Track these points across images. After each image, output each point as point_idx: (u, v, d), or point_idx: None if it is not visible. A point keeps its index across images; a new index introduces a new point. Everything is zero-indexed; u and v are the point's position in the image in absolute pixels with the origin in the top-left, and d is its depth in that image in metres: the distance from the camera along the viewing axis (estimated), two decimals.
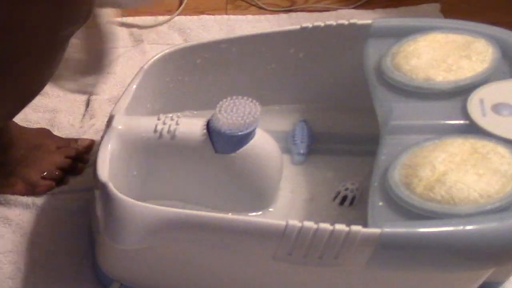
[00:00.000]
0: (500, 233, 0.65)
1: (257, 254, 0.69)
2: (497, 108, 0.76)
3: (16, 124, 0.94)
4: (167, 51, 0.88)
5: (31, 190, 0.92)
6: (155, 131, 0.78)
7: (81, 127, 1.02)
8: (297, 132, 0.93)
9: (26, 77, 0.69)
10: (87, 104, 1.06)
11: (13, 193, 0.92)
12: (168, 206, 0.70)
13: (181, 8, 1.24)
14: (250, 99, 0.78)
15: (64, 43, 0.69)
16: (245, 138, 0.78)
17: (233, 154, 0.79)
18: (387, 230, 0.65)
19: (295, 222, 0.66)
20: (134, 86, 0.83)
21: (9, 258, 0.85)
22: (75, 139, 0.98)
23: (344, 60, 0.92)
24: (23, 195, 0.92)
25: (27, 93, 0.73)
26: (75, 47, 0.82)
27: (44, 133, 0.98)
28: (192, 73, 0.92)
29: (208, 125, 0.78)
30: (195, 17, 1.23)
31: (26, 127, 0.96)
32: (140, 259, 0.75)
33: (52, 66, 0.71)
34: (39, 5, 0.62)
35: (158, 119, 0.79)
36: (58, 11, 0.63)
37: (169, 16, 1.22)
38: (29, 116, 1.03)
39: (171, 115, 0.80)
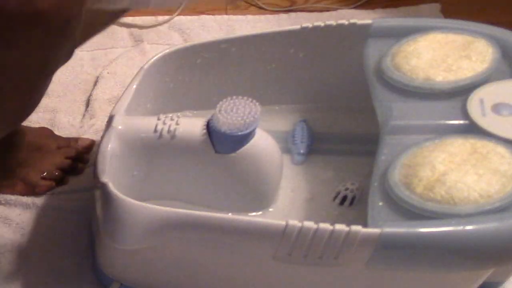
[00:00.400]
0: (500, 233, 0.65)
1: (257, 254, 0.69)
2: (497, 108, 0.76)
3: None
4: (167, 51, 0.88)
5: (31, 190, 0.92)
6: (155, 131, 0.78)
7: (81, 127, 1.02)
8: (297, 132, 0.93)
9: (11, 104, 0.70)
10: (87, 104, 1.06)
11: (14, 194, 0.92)
12: (168, 206, 0.70)
13: (181, 8, 1.24)
14: (250, 99, 0.78)
15: (47, 78, 0.71)
16: (245, 138, 0.78)
17: (233, 154, 0.79)
18: (387, 230, 0.65)
19: (295, 222, 0.66)
20: (134, 86, 0.83)
21: (9, 258, 0.85)
22: (76, 138, 0.98)
23: (344, 60, 0.92)
24: (23, 195, 0.92)
25: (13, 119, 0.75)
26: None
27: (45, 133, 0.98)
28: (192, 73, 0.92)
29: (208, 125, 0.78)
30: (195, 17, 1.23)
31: (27, 127, 0.96)
32: (140, 259, 0.75)
33: (35, 98, 0.73)
34: (21, 50, 0.62)
35: (158, 119, 0.79)
36: (42, 54, 0.64)
37: (169, 16, 1.22)
38: (29, 116, 1.03)
39: (171, 115, 0.80)
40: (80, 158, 0.96)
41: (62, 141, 0.97)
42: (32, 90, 0.71)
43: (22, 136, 0.93)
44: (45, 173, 0.93)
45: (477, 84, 0.79)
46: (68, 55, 0.69)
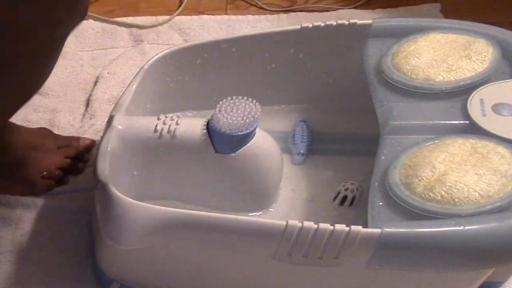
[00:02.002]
0: (500, 233, 0.65)
1: (257, 254, 0.69)
2: (497, 108, 0.76)
3: (16, 124, 0.94)
4: (167, 51, 0.88)
5: (31, 190, 0.92)
6: (155, 131, 0.78)
7: (81, 127, 1.02)
8: (297, 132, 0.93)
9: (22, 77, 0.69)
10: (87, 104, 1.06)
11: (13, 194, 0.92)
12: (168, 206, 0.70)
13: (181, 8, 1.24)
14: (250, 99, 0.78)
15: (60, 43, 0.69)
16: (245, 138, 0.78)
17: (233, 154, 0.79)
18: (387, 230, 0.65)
19: (295, 222, 0.66)
20: (134, 86, 0.83)
21: (9, 258, 0.85)
22: (77, 138, 0.98)
23: (344, 60, 0.92)
24: (23, 195, 0.92)
25: (24, 93, 0.73)
26: None
27: (44, 133, 0.97)
28: (192, 73, 0.92)
29: (208, 125, 0.78)
30: (195, 17, 1.23)
31: (26, 127, 0.96)
32: (140, 259, 0.75)
33: (48, 66, 0.71)
34: (33, 6, 0.61)
35: (158, 119, 0.79)
36: (53, 12, 0.63)
37: (169, 16, 1.22)
38: (29, 116, 1.03)
39: (171, 115, 0.80)
40: (80, 157, 0.96)
41: (62, 141, 0.97)
42: (48, 55, 0.69)
43: (18, 135, 0.92)
44: (45, 173, 0.92)
45: (477, 84, 0.79)
46: (82, 16, 0.68)
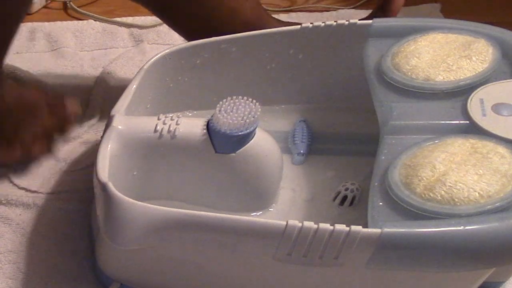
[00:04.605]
0: (500, 233, 0.65)
1: (257, 254, 0.69)
2: (497, 108, 0.76)
3: (15, 87, 0.95)
4: (167, 51, 0.88)
5: (27, 155, 0.93)
6: (155, 131, 0.78)
7: (81, 127, 1.02)
8: (297, 132, 0.93)
9: None
10: (87, 104, 1.06)
11: (12, 160, 0.93)
12: (168, 206, 0.70)
13: None
14: (250, 99, 0.78)
15: None
16: (245, 138, 0.78)
17: (233, 154, 0.79)
18: (387, 230, 0.65)
19: (295, 222, 0.66)
20: (134, 86, 0.83)
21: (9, 258, 0.85)
22: (62, 101, 0.96)
23: (344, 60, 0.92)
24: (21, 161, 0.93)
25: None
26: None
27: (37, 96, 0.96)
28: (192, 73, 0.92)
29: (208, 125, 0.78)
30: None
31: (21, 89, 0.97)
32: (140, 259, 0.75)
33: None
34: None
35: (158, 119, 0.79)
36: None
37: None
38: None
39: (171, 115, 0.80)
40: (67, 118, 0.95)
41: (51, 100, 0.95)
42: None
43: (16, 99, 0.92)
44: (38, 135, 0.92)
45: (477, 84, 0.79)
46: None
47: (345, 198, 0.85)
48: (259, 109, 0.77)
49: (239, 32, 0.90)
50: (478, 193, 0.67)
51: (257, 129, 0.79)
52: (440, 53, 0.82)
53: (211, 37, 0.90)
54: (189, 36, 0.98)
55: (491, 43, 0.83)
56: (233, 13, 0.95)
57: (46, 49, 1.18)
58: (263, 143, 0.81)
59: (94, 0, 1.27)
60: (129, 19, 1.22)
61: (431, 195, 0.67)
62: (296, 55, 0.92)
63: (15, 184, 0.94)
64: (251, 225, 0.67)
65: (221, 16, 0.95)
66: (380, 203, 0.69)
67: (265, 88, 0.94)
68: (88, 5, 1.28)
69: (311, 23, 0.90)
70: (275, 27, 0.92)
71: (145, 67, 0.86)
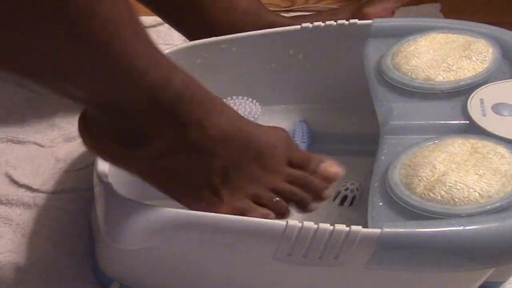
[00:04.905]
0: (500, 233, 0.65)
1: (257, 254, 0.69)
2: (497, 108, 0.76)
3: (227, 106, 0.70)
4: (167, 51, 0.88)
5: (242, 214, 0.68)
6: None
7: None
8: (297, 132, 0.93)
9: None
10: None
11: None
12: (168, 206, 0.70)
13: None
14: (250, 99, 0.77)
15: None
16: None
17: None
18: (387, 230, 0.65)
19: (295, 222, 0.66)
20: None
21: (9, 258, 0.85)
22: (318, 157, 0.70)
23: (344, 60, 0.92)
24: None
25: None
26: None
27: (280, 136, 0.70)
28: (192, 73, 0.91)
29: None
30: None
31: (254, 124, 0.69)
32: (140, 259, 0.75)
33: None
34: None
35: None
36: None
37: None
38: (28, 116, 1.03)
39: None
40: (312, 189, 0.69)
41: (295, 155, 0.70)
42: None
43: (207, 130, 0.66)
44: (260, 198, 0.67)
45: (477, 84, 0.79)
46: None
47: (345, 198, 0.85)
48: (259, 109, 0.77)
49: (238, 22, 0.88)
50: (478, 193, 0.67)
51: None
52: (440, 53, 0.82)
53: (210, 35, 0.89)
54: (186, 26, 0.95)
55: (491, 43, 0.83)
56: (232, 1, 0.94)
57: None
58: None
59: None
60: None
61: (431, 195, 0.67)
62: (296, 55, 0.92)
63: (16, 182, 0.94)
64: (251, 225, 0.67)
65: (221, 1, 0.94)
66: (380, 203, 0.69)
67: (265, 88, 0.94)
68: None
69: (311, 23, 0.90)
70: (274, 18, 0.91)
71: None
